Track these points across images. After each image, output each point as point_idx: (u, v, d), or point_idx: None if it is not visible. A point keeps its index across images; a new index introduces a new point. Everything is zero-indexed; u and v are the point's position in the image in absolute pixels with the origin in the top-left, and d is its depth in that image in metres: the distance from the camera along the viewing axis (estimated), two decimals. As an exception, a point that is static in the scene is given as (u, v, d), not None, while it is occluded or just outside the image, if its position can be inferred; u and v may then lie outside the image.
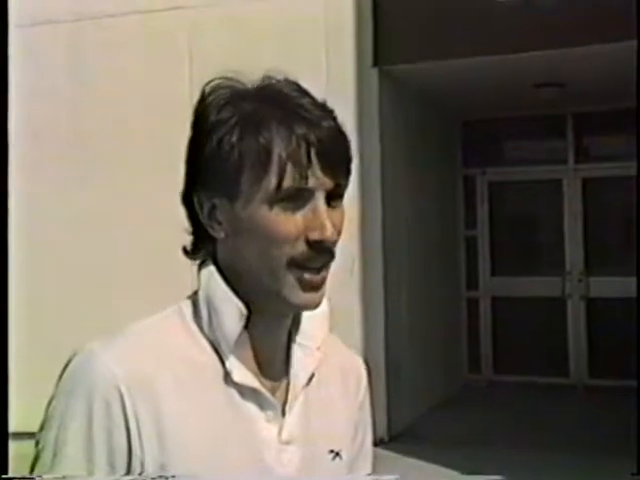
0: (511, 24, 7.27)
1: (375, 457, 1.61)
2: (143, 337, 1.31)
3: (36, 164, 7.90)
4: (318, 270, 1.29)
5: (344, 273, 6.66)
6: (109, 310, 7.02)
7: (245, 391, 1.31)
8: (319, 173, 1.26)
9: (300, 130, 1.25)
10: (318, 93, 1.34)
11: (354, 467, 1.50)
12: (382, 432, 7.51)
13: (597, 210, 10.17)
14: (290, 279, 1.28)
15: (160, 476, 1.23)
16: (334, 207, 1.30)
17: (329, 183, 1.27)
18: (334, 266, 1.32)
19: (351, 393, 1.51)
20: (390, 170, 7.86)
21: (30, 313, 7.35)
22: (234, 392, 1.31)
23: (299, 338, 1.39)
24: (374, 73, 7.73)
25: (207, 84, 1.32)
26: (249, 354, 1.33)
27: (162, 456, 1.23)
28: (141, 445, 1.23)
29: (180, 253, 1.39)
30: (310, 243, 1.27)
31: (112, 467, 1.23)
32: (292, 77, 1.34)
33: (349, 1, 7.57)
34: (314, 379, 1.40)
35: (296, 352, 1.39)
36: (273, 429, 1.33)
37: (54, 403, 1.26)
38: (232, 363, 1.30)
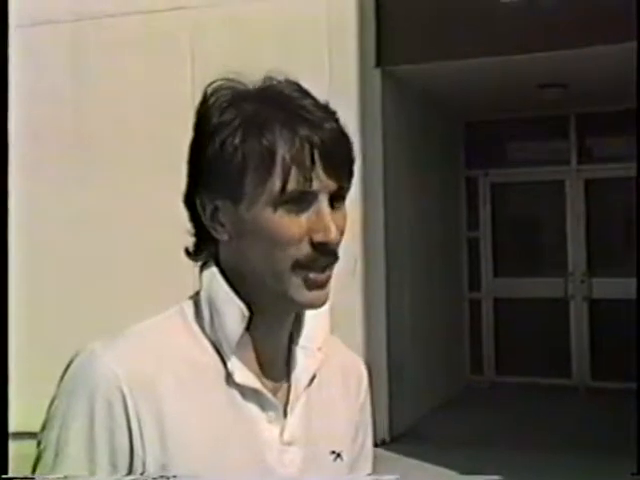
0: (514, 25, 7.26)
1: (377, 458, 1.61)
2: (145, 337, 1.31)
3: (36, 164, 7.90)
4: (323, 269, 1.29)
5: (346, 274, 6.65)
6: (109, 310, 7.02)
7: (247, 392, 1.31)
8: (322, 175, 1.26)
9: (303, 132, 1.25)
10: (320, 94, 1.33)
11: (355, 468, 1.50)
12: (384, 433, 7.52)
13: (600, 211, 10.17)
14: (295, 280, 1.28)
15: (161, 476, 1.22)
16: (337, 208, 1.30)
17: (332, 185, 1.27)
18: (336, 267, 1.32)
19: (352, 394, 1.51)
20: (392, 171, 7.86)
21: (30, 313, 7.35)
22: (236, 393, 1.31)
23: (300, 339, 1.39)
24: (377, 74, 7.73)
25: (209, 85, 1.31)
26: (251, 355, 1.33)
27: (164, 456, 1.23)
28: (143, 445, 1.23)
29: (181, 253, 1.38)
30: (314, 245, 1.27)
31: (114, 467, 1.23)
32: (294, 78, 1.33)
33: (351, 1, 7.57)
34: (315, 380, 1.40)
35: (297, 353, 1.39)
36: (275, 430, 1.33)
37: (56, 403, 1.26)
38: (234, 364, 1.30)
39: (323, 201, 1.27)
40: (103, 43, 8.11)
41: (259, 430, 1.32)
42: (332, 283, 1.33)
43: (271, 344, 1.36)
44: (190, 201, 1.33)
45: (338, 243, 1.28)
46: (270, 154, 1.24)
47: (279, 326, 1.36)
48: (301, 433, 1.36)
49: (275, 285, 1.28)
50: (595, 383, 9.86)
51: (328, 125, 1.27)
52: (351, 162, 1.32)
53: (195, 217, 1.34)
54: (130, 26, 8.03)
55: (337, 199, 1.29)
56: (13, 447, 2.87)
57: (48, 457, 1.24)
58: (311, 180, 1.25)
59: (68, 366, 1.27)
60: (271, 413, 1.33)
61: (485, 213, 10.61)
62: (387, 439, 7.56)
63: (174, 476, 1.23)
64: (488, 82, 8.46)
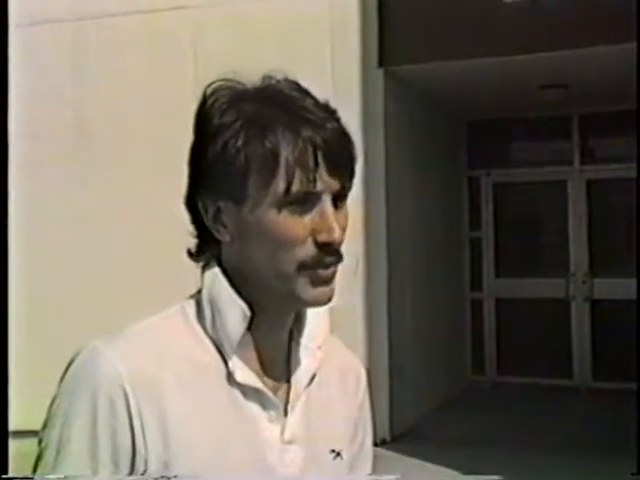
0: (516, 25, 7.27)
1: (377, 457, 1.62)
2: (146, 336, 1.31)
3: (36, 164, 7.90)
4: (327, 267, 1.29)
5: (348, 274, 6.64)
6: (109, 310, 7.00)
7: (248, 391, 1.32)
8: (325, 176, 1.26)
9: (306, 133, 1.25)
10: (323, 94, 1.33)
11: (354, 467, 1.50)
12: (385, 432, 7.53)
13: (602, 212, 10.17)
14: (301, 280, 1.28)
15: (162, 476, 1.23)
16: (339, 208, 1.30)
17: (335, 185, 1.28)
18: (338, 267, 1.32)
19: (350, 393, 1.52)
20: (394, 171, 7.86)
21: (30, 313, 7.35)
22: (237, 392, 1.31)
23: (301, 338, 1.40)
24: (379, 74, 7.73)
25: (208, 86, 1.31)
26: (252, 355, 1.34)
27: (165, 455, 1.23)
28: (145, 444, 1.23)
29: (181, 253, 1.38)
30: (319, 245, 1.27)
31: (116, 465, 1.23)
32: (297, 77, 1.33)
33: (354, 1, 7.58)
34: (315, 379, 1.40)
35: (298, 352, 1.39)
36: (275, 429, 1.34)
37: (57, 401, 1.26)
38: (235, 363, 1.30)
39: (326, 201, 1.27)
40: (104, 43, 8.11)
41: (260, 429, 1.32)
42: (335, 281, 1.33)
43: (272, 343, 1.36)
44: (191, 202, 1.34)
45: (341, 242, 1.29)
46: (273, 156, 1.24)
47: (280, 325, 1.37)
48: (301, 432, 1.36)
49: (280, 286, 1.29)
50: (596, 383, 9.85)
51: (330, 125, 1.28)
52: (353, 161, 1.32)
53: (197, 218, 1.34)
54: (131, 26, 8.03)
55: (340, 198, 1.30)
56: (14, 446, 2.87)
57: (50, 455, 1.25)
58: (315, 181, 1.25)
59: (69, 364, 1.27)
60: (272, 412, 1.33)
61: (487, 213, 10.61)
62: (388, 439, 7.57)
63: (175, 476, 1.23)
64: (490, 82, 8.47)
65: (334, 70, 7.39)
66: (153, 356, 1.27)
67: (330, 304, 1.35)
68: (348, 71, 7.50)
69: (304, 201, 1.26)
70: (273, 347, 1.36)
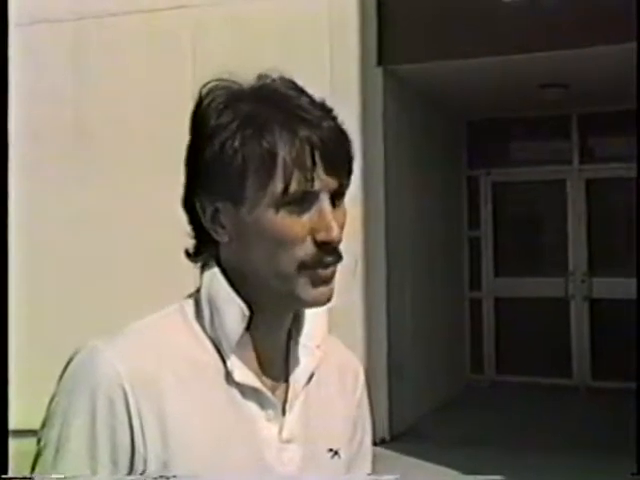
0: (516, 25, 7.26)
1: (376, 457, 1.61)
2: (145, 335, 1.31)
3: (36, 164, 7.89)
4: (327, 266, 1.29)
5: (347, 274, 6.64)
6: (109, 310, 6.99)
7: (246, 390, 1.32)
8: (323, 175, 1.26)
9: (303, 133, 1.25)
10: (322, 93, 1.33)
11: (354, 465, 1.50)
12: (384, 432, 7.53)
13: (601, 211, 10.17)
14: (301, 279, 1.28)
15: (161, 476, 1.22)
16: (337, 206, 1.30)
17: (333, 183, 1.28)
18: (337, 267, 1.32)
19: (349, 391, 1.51)
20: (394, 170, 7.86)
21: (30, 313, 7.35)
22: (235, 392, 1.31)
23: (299, 337, 1.40)
24: (378, 73, 7.73)
25: (203, 86, 1.31)
26: (250, 354, 1.33)
27: (165, 454, 1.23)
28: (144, 443, 1.23)
29: (181, 254, 1.38)
30: (318, 244, 1.27)
31: (115, 464, 1.23)
32: (296, 77, 1.33)
33: (353, 0, 7.56)
34: (313, 378, 1.40)
35: (296, 351, 1.39)
36: (273, 428, 1.34)
37: (56, 400, 1.26)
38: (233, 363, 1.30)
39: (324, 200, 1.27)
40: (104, 42, 8.11)
41: (258, 428, 1.32)
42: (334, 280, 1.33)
43: (270, 343, 1.36)
44: (189, 203, 1.33)
45: (340, 241, 1.29)
46: (271, 156, 1.24)
47: (279, 325, 1.37)
48: (300, 431, 1.36)
49: (280, 286, 1.29)
50: (595, 383, 9.85)
51: (326, 124, 1.28)
52: (350, 159, 1.32)
53: (195, 219, 1.34)
54: (131, 25, 8.03)
55: (337, 197, 1.30)
56: (13, 445, 2.87)
57: (49, 454, 1.24)
58: (312, 180, 1.25)
59: (68, 363, 1.27)
60: (270, 411, 1.33)
61: (486, 212, 10.61)
62: (387, 438, 7.57)
63: (174, 476, 1.23)
64: (490, 82, 8.47)
65: (333, 69, 7.39)
66: (152, 355, 1.27)
67: (329, 304, 1.35)
68: (347, 70, 7.49)
69: (302, 200, 1.26)
70: (272, 346, 1.36)
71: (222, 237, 1.31)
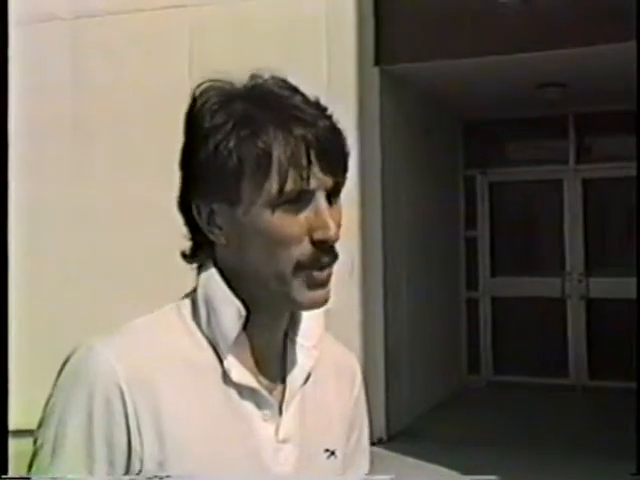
0: (513, 24, 7.26)
1: (374, 456, 1.61)
2: (142, 334, 1.31)
3: (36, 164, 7.88)
4: (323, 267, 1.29)
5: (344, 274, 6.65)
6: (109, 310, 6.97)
7: (243, 390, 1.32)
8: (319, 173, 1.26)
9: (297, 132, 1.25)
10: (319, 92, 1.34)
11: (351, 464, 1.50)
12: (381, 431, 7.53)
13: (597, 211, 10.17)
14: (297, 281, 1.28)
15: (155, 476, 1.23)
16: (333, 204, 1.30)
17: (329, 181, 1.28)
18: (334, 267, 1.32)
19: (346, 389, 1.51)
20: (390, 170, 7.86)
21: (30, 313, 7.34)
22: (232, 391, 1.31)
23: (296, 337, 1.40)
24: (375, 72, 7.73)
25: (197, 87, 1.31)
26: (247, 354, 1.33)
27: (161, 454, 1.23)
28: (141, 442, 1.23)
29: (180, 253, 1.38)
30: (315, 243, 1.27)
31: (111, 464, 1.23)
32: (293, 76, 1.33)
33: (350, 0, 7.56)
34: (310, 378, 1.40)
35: (293, 351, 1.39)
36: (270, 428, 1.34)
37: (53, 400, 1.26)
38: (230, 362, 1.30)
39: (320, 198, 1.27)
40: (103, 41, 8.10)
41: (254, 428, 1.32)
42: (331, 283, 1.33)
43: (267, 342, 1.36)
44: (185, 205, 1.33)
45: (337, 239, 1.29)
46: (266, 156, 1.24)
47: (275, 325, 1.37)
48: (296, 431, 1.36)
49: (278, 287, 1.28)
50: (592, 382, 9.85)
51: (321, 122, 1.27)
52: (346, 157, 1.31)
53: (191, 221, 1.33)
54: (130, 24, 8.01)
55: (333, 194, 1.30)
56: (13, 445, 2.88)
57: (45, 454, 1.24)
58: (308, 179, 1.25)
59: (65, 363, 1.27)
60: (266, 411, 1.33)
61: (483, 212, 10.60)
62: (384, 438, 7.56)
63: (167, 476, 1.23)
64: (487, 81, 8.46)
65: (330, 69, 7.39)
66: (149, 354, 1.27)
67: (326, 306, 1.36)
68: (344, 70, 7.48)
69: (298, 199, 1.25)
70: (268, 346, 1.36)
71: (219, 238, 1.31)
